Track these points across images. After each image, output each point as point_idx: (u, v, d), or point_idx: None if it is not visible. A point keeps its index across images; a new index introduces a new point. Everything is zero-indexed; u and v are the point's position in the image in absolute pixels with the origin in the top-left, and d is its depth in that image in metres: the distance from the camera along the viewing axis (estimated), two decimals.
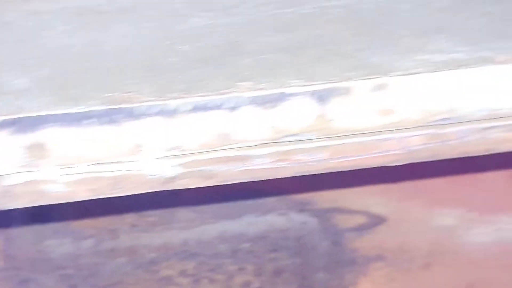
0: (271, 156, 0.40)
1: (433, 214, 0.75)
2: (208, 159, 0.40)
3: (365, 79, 0.39)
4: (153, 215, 0.72)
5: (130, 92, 0.38)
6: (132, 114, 0.38)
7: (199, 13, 0.47)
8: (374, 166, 0.41)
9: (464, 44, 0.42)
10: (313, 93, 0.39)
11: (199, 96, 0.38)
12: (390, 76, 0.39)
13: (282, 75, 0.40)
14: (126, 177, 0.39)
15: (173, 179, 0.39)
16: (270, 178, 0.41)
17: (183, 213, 0.73)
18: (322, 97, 0.39)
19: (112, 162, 0.39)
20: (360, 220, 0.75)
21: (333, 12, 0.46)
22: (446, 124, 0.40)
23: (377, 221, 0.75)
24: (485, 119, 0.40)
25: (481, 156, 0.44)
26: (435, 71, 0.39)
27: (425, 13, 0.45)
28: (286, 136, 0.39)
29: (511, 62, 0.40)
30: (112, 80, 0.40)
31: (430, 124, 0.40)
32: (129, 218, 0.72)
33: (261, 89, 0.38)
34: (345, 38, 0.43)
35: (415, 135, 0.40)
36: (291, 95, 0.39)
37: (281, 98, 0.39)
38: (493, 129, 0.40)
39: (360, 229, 0.75)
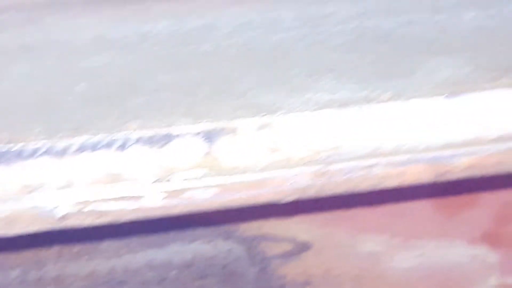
0: (162, 194, 0.41)
1: (358, 240, 0.77)
2: (99, 198, 0.40)
3: (251, 118, 0.40)
4: (79, 245, 0.73)
5: (20, 132, 0.39)
6: (20, 155, 0.39)
7: (102, 51, 0.48)
8: (265, 203, 0.43)
9: (351, 83, 0.43)
10: (200, 133, 0.40)
11: (87, 135, 0.39)
12: (275, 115, 0.40)
13: (171, 114, 0.41)
14: (18, 216, 0.40)
15: (64, 217, 0.40)
16: (162, 215, 0.42)
17: (109, 242, 0.74)
18: (209, 136, 0.40)
19: (3, 201, 0.39)
20: (286, 247, 0.76)
21: (230, 51, 0.47)
22: (331, 161, 0.42)
23: (303, 247, 0.76)
24: (369, 156, 0.42)
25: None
26: (318, 110, 0.40)
27: (318, 51, 0.47)
28: (176, 174, 0.40)
29: (394, 101, 0.42)
30: (3, 120, 0.40)
31: (316, 161, 0.41)
32: (55, 248, 0.73)
33: (149, 128, 0.40)
34: (238, 77, 0.44)
35: (302, 172, 0.42)
36: (178, 135, 0.40)
37: (168, 137, 0.40)
38: (377, 166, 0.42)
39: (287, 255, 0.76)
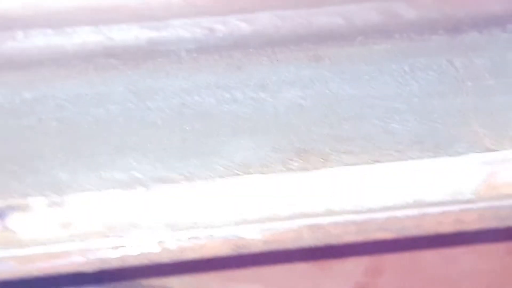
0: None
1: None
2: None
3: (42, 196, 0.42)
4: None
5: None
6: None
7: None
8: (65, 272, 0.45)
9: (149, 162, 0.45)
10: None
11: None
12: (66, 194, 0.43)
13: None
14: None
15: None
16: None
17: None
18: (2, 212, 0.43)
19: None
20: None
21: (51, 125, 0.48)
22: (124, 237, 0.44)
23: None
24: (166, 231, 0.44)
25: None
26: (109, 189, 0.43)
27: (134, 127, 0.48)
28: None
29: (187, 181, 0.45)
30: None
31: (111, 236, 0.44)
32: None
33: None
34: (45, 153, 0.46)
35: (97, 246, 0.44)
36: None
37: None
38: (175, 241, 0.44)
39: None
